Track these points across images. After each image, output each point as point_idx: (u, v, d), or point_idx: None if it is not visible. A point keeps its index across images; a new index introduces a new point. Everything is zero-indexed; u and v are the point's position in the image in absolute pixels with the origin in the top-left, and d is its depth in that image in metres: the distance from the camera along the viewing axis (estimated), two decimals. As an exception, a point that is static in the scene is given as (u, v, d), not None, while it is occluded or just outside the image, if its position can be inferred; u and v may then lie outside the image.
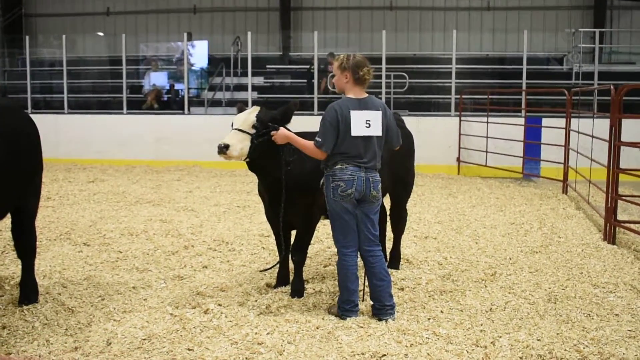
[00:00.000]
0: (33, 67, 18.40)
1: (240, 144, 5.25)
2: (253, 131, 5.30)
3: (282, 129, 5.30)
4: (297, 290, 5.79)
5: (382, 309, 5.21)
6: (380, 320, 5.16)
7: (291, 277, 5.99)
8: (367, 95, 5.25)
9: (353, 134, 5.06)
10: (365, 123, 5.10)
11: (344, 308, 5.23)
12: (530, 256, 7.37)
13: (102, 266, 6.85)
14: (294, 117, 5.52)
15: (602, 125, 10.09)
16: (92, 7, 22.50)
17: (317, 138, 5.13)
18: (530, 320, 5.23)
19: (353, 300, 5.23)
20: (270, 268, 6.35)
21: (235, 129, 5.33)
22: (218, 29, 21.96)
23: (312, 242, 6.24)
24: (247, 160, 5.37)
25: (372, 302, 5.30)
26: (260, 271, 6.66)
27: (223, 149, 5.19)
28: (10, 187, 5.10)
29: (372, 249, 5.24)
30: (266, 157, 5.37)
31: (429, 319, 5.24)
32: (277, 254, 6.21)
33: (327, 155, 5.14)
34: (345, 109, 5.10)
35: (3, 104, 5.53)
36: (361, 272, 5.41)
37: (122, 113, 17.09)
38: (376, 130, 5.15)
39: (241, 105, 5.77)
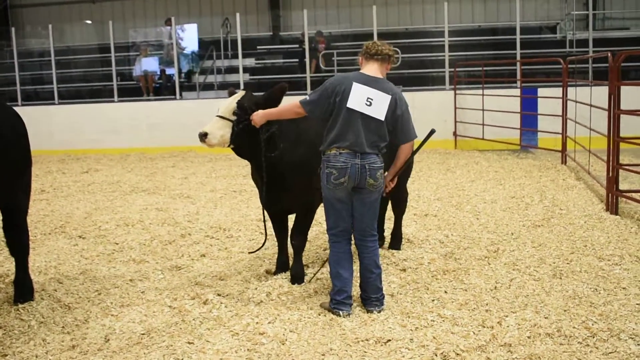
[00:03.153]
0: (21, 58, 18.16)
1: (220, 131, 5.18)
2: (234, 118, 5.20)
3: (258, 110, 5.18)
4: (297, 276, 5.68)
5: (367, 300, 5.01)
6: (367, 310, 4.97)
7: (291, 263, 5.88)
8: (383, 78, 4.96)
9: (348, 105, 4.76)
10: (367, 100, 4.78)
11: (336, 300, 4.93)
12: (533, 230, 7.27)
13: (98, 259, 6.73)
14: (285, 98, 5.36)
15: (599, 93, 9.98)
16: (77, -5, 22.20)
17: (306, 96, 4.97)
18: (536, 298, 5.13)
19: (346, 291, 4.94)
20: (256, 250, 6.22)
21: (217, 115, 5.26)
22: (206, 11, 21.65)
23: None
24: (232, 146, 5.28)
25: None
26: (249, 252, 6.61)
27: (202, 137, 5.16)
28: (-3, 184, 4.97)
29: (365, 239, 4.98)
30: (252, 143, 5.26)
31: (433, 300, 5.14)
32: (275, 238, 6.08)
33: (305, 114, 4.94)
34: (348, 81, 4.83)
35: (-14, 98, 5.39)
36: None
37: (113, 101, 16.92)
38: (377, 112, 4.80)
39: (232, 90, 5.65)
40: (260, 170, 5.40)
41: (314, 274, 5.81)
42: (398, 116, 4.89)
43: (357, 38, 18.04)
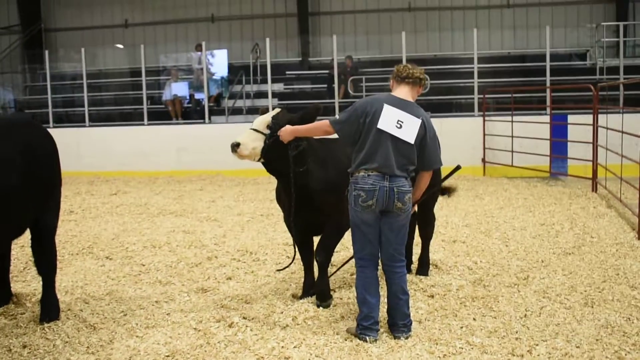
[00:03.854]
0: (54, 81, 18.45)
1: (253, 144, 5.22)
2: (267, 131, 5.23)
3: (286, 126, 5.19)
4: (322, 294, 5.63)
5: (395, 326, 4.93)
6: (394, 336, 4.89)
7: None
8: (413, 102, 4.92)
9: (379, 126, 4.73)
10: (397, 123, 4.75)
11: (363, 325, 4.85)
12: (563, 258, 7.15)
13: (124, 280, 6.73)
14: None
15: (630, 120, 9.87)
16: (110, 20, 22.54)
17: (336, 116, 4.97)
18: (567, 326, 5.02)
19: (373, 317, 4.86)
20: (284, 268, 6.20)
21: (251, 128, 5.31)
22: (236, 36, 21.90)
23: (337, 249, 6.08)
24: (262, 161, 5.31)
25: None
26: (277, 270, 6.64)
27: (234, 147, 5.18)
28: (27, 202, 5.02)
29: (392, 265, 4.91)
30: (282, 159, 5.28)
31: (461, 327, 5.05)
32: (302, 262, 6.05)
33: (334, 133, 4.93)
34: (379, 102, 4.80)
35: (19, 119, 5.47)
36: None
37: (143, 124, 17.08)
38: (407, 135, 4.75)
39: (264, 110, 5.69)
40: (288, 188, 5.38)
41: (336, 270, 5.96)
42: (426, 142, 4.85)
43: (385, 64, 18.10)
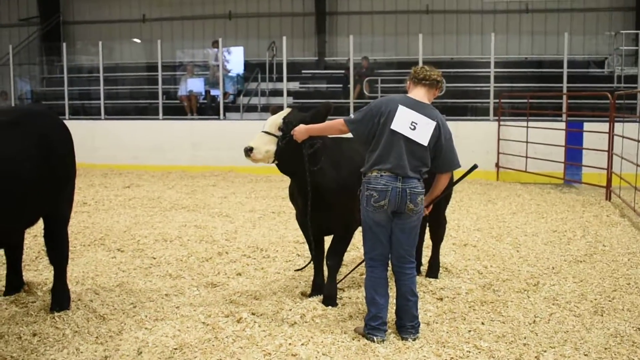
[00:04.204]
0: (71, 74, 18.56)
1: (266, 147, 5.21)
2: (279, 133, 5.22)
3: (300, 125, 5.18)
4: (330, 296, 5.63)
5: (402, 327, 4.92)
6: (402, 337, 4.88)
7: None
8: (429, 104, 4.92)
9: (392, 126, 4.72)
10: (411, 124, 4.73)
11: (371, 325, 4.84)
12: (574, 265, 7.11)
13: (135, 272, 6.77)
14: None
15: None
16: (128, 14, 22.62)
17: (351, 115, 4.98)
18: (576, 334, 4.99)
19: (381, 317, 4.85)
20: (303, 268, 6.20)
21: (263, 131, 5.29)
22: (253, 34, 21.92)
23: (347, 249, 6.09)
24: (276, 162, 5.29)
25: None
26: (295, 270, 6.67)
27: (248, 152, 5.17)
28: (42, 193, 5.05)
29: (402, 266, 4.89)
30: (296, 159, 5.26)
31: (469, 331, 5.04)
32: (312, 260, 6.05)
33: (348, 132, 4.93)
34: (394, 103, 4.80)
35: (36, 110, 5.51)
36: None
37: (158, 119, 17.16)
38: (421, 137, 4.74)
39: (274, 108, 5.69)
40: (303, 187, 5.39)
41: (345, 276, 5.95)
42: (441, 144, 4.84)
43: (402, 66, 18.09)
